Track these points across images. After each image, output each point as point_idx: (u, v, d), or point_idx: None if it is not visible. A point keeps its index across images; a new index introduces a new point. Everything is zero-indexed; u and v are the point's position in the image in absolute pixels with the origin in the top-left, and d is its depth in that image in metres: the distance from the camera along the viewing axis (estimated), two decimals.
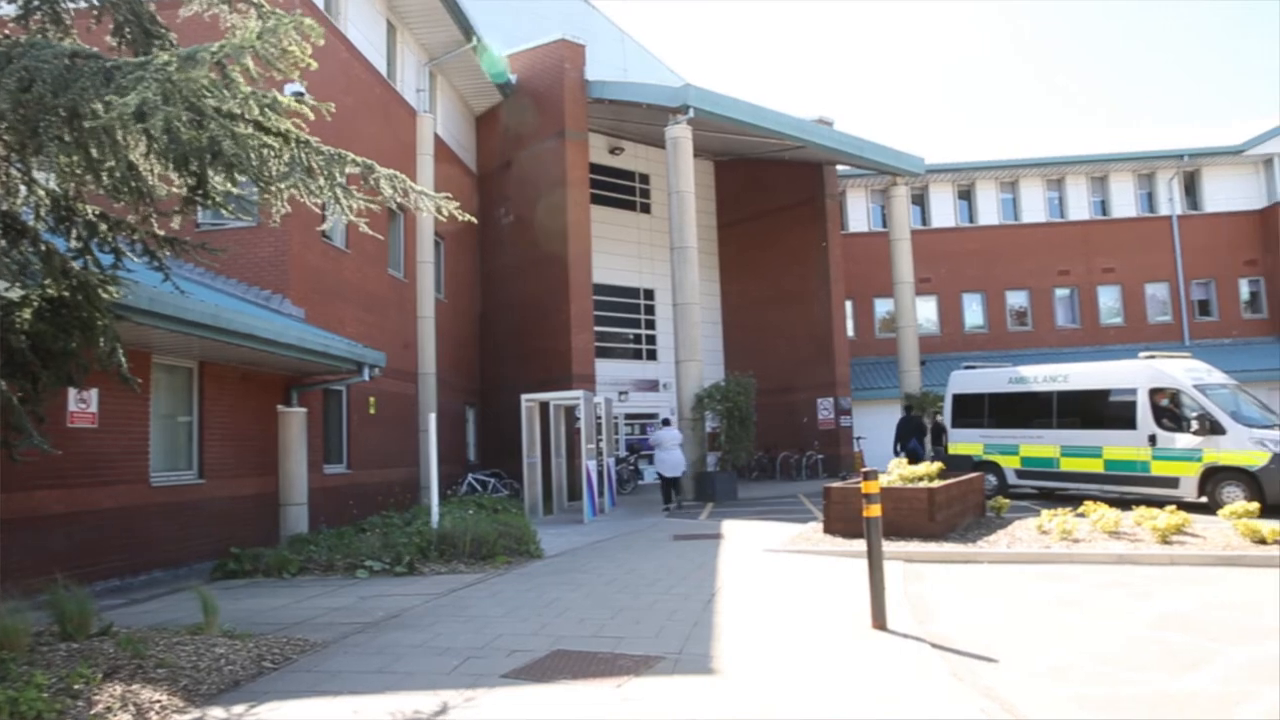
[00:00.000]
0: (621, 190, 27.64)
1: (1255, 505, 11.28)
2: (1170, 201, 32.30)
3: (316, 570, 10.63)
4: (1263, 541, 9.94)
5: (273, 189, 6.39)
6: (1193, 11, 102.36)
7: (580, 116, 22.05)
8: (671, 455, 18.21)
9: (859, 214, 32.79)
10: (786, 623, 7.24)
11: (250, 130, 5.98)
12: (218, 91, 5.70)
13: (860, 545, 7.43)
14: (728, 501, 19.14)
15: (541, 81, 22.41)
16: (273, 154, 6.19)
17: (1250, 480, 13.70)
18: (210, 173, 6.14)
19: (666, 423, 19.57)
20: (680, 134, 21.09)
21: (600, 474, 18.00)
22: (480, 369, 23.20)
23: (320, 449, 14.08)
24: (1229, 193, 32.18)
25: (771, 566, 10.25)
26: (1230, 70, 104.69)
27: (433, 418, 12.62)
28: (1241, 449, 14.01)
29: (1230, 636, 6.46)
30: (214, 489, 11.25)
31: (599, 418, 18.68)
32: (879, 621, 6.84)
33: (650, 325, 27.82)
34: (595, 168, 24.59)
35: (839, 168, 28.64)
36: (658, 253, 26.30)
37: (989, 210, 32.83)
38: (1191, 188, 32.64)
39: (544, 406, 18.62)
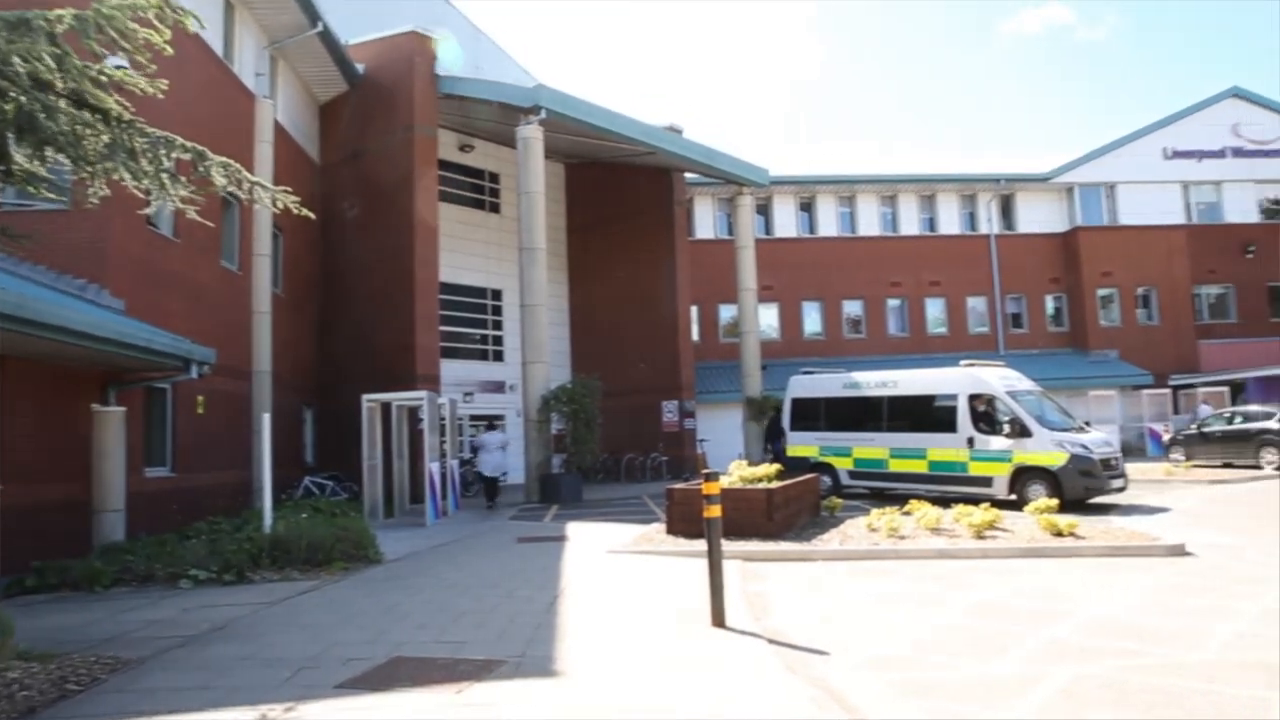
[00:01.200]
0: (471, 188, 27.28)
1: (1055, 501, 12.35)
2: (989, 222, 34.84)
3: (134, 581, 9.91)
4: (1060, 534, 10.97)
5: (89, 170, 5.92)
6: (1012, 54, 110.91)
7: (430, 111, 21.59)
8: (492, 457, 19.62)
9: (705, 221, 33.65)
10: (629, 623, 7.33)
11: (67, 104, 5.50)
12: (46, 64, 5.21)
13: (702, 545, 7.63)
14: (573, 503, 19.19)
15: (391, 73, 21.79)
16: (91, 133, 5.73)
17: (1051, 479, 14.96)
18: (13, 149, 5.61)
19: (491, 426, 20.76)
20: (532, 134, 21.00)
21: (444, 476, 17.68)
22: (320, 368, 22.27)
23: (141, 451, 13.14)
24: (1039, 216, 35.06)
25: (615, 567, 10.36)
26: (1043, 105, 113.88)
27: (266, 418, 12.03)
28: (1045, 450, 15.28)
29: (1032, 621, 7.05)
30: (13, 496, 10.29)
31: (443, 419, 18.33)
32: (718, 620, 7.04)
33: (498, 326, 27.57)
34: (444, 164, 24.14)
35: (688, 175, 29.27)
36: (506, 253, 26.10)
37: (828, 222, 34.41)
38: (1007, 210, 35.32)
39: (386, 407, 18.11)
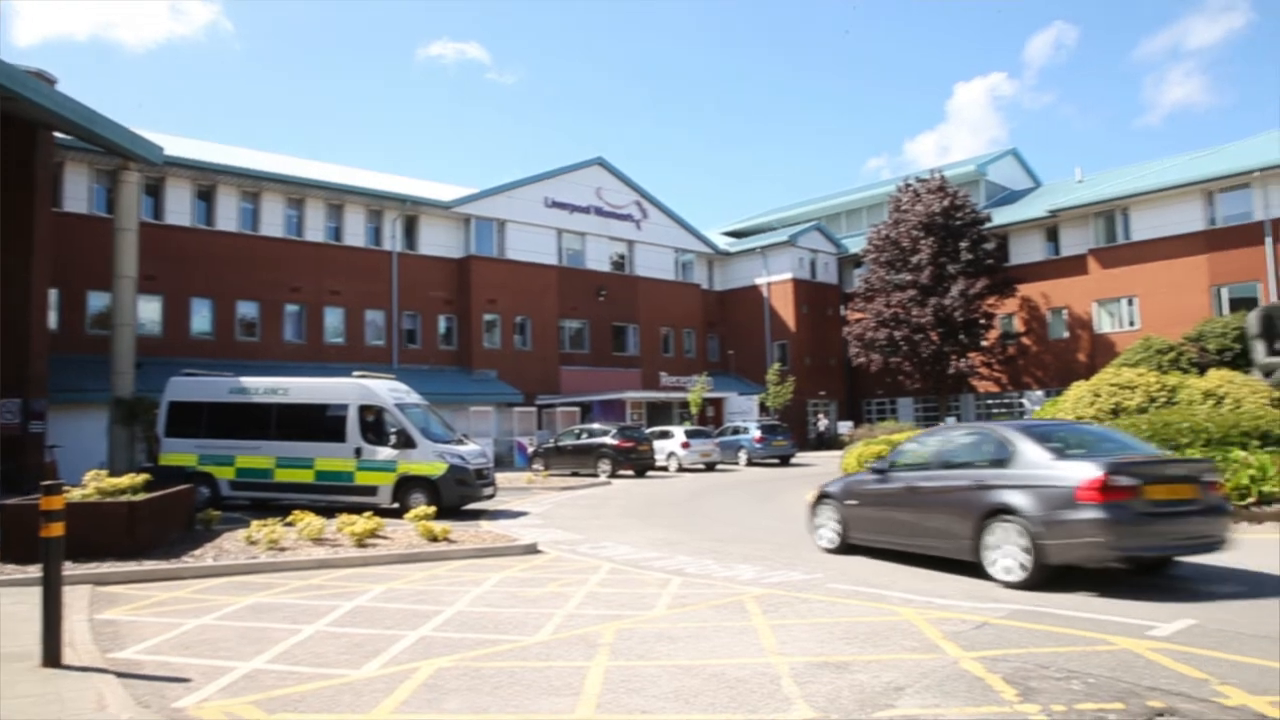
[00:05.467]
0: None
1: (433, 509, 13.33)
2: (393, 239, 36.19)
3: None
4: (435, 539, 11.94)
5: None
6: (426, 81, 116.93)
7: None
8: None
9: (78, 192, 29.04)
10: None
11: None
12: None
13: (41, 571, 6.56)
14: None
15: None
16: None
17: (432, 487, 16.07)
18: None
19: None
20: None
21: None
22: None
23: None
24: (439, 240, 37.58)
25: None
26: (451, 134, 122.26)
27: None
28: (427, 461, 16.35)
29: (405, 622, 7.52)
30: None
31: None
32: (52, 658, 6.07)
33: None
34: None
35: (60, 136, 25.07)
36: None
37: (228, 216, 32.28)
38: (411, 230, 37.09)
39: None
